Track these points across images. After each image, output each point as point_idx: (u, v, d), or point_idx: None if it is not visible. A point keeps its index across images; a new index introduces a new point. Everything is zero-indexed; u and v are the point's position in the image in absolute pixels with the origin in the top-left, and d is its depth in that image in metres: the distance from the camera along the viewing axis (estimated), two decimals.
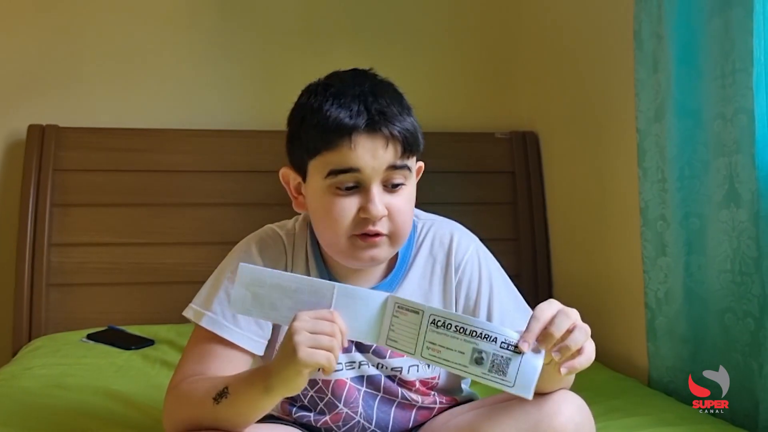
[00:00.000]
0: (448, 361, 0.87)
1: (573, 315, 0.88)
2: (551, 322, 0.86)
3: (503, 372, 0.85)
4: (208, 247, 2.10)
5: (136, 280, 2.11)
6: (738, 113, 1.37)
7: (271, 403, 0.94)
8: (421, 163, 1.11)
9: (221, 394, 0.94)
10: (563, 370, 0.87)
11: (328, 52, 2.32)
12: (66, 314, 2.06)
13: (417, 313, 0.88)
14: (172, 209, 2.17)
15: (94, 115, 2.22)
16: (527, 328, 0.86)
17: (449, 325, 0.87)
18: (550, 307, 0.88)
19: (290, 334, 0.87)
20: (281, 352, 0.89)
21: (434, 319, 0.87)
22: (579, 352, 0.87)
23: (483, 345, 0.85)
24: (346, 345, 0.90)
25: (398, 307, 0.89)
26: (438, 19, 2.47)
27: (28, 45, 2.22)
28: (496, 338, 0.85)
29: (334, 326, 0.87)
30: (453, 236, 1.14)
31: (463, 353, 0.86)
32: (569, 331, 0.86)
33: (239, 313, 0.96)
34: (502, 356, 0.85)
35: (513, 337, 0.86)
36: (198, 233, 2.16)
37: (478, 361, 0.86)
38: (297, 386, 0.89)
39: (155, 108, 2.28)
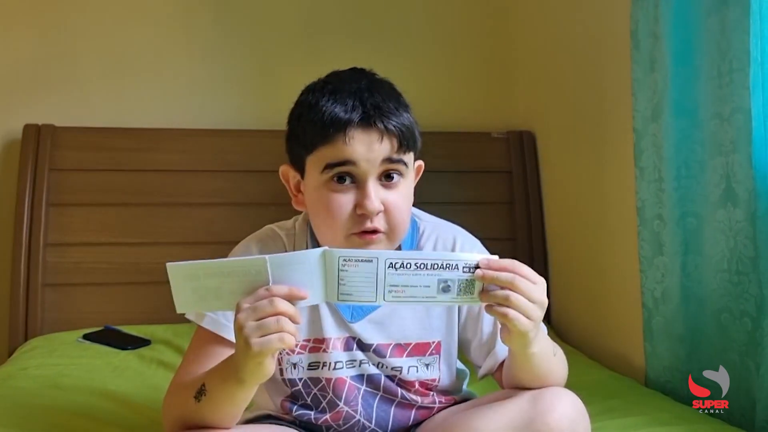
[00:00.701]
0: (414, 297, 0.88)
1: (537, 294, 0.89)
2: (521, 275, 0.88)
3: (470, 292, 0.89)
4: (204, 247, 2.08)
5: (132, 280, 2.11)
6: (735, 113, 1.37)
7: (249, 393, 0.93)
8: (421, 162, 1.11)
9: (200, 393, 0.94)
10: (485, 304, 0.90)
11: (325, 52, 2.32)
12: (62, 314, 2.05)
13: (371, 261, 0.87)
14: (168, 209, 2.17)
15: (90, 115, 2.21)
16: (502, 259, 0.90)
17: (408, 265, 0.87)
18: (534, 274, 0.90)
19: (237, 329, 0.86)
20: (237, 348, 0.88)
21: (391, 263, 0.87)
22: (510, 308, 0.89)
23: (447, 274, 0.88)
24: (298, 321, 0.87)
25: (344, 260, 0.87)
26: (434, 19, 2.46)
27: (24, 44, 2.21)
28: (457, 265, 0.88)
29: (275, 302, 0.84)
30: (456, 240, 1.15)
31: (429, 286, 0.88)
32: (517, 293, 0.88)
33: (187, 311, 0.93)
34: (466, 279, 0.88)
35: (472, 259, 0.88)
36: (195, 233, 2.16)
37: (446, 290, 0.88)
38: (266, 372, 0.88)
39: (151, 107, 2.27)
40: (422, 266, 0.87)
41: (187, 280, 0.88)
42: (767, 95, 1.33)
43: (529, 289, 0.89)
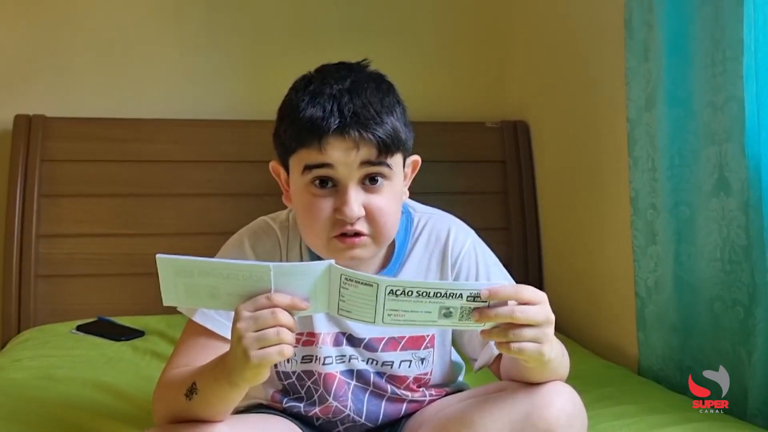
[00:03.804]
0: (414, 321, 0.85)
1: (540, 316, 0.86)
2: (523, 302, 0.86)
3: (473, 317, 0.85)
4: (197, 237, 2.09)
5: (125, 271, 2.10)
6: (728, 102, 1.37)
7: (242, 393, 0.92)
8: (417, 157, 1.10)
9: (191, 391, 0.93)
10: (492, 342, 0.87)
11: (318, 42, 2.31)
12: (55, 305, 2.05)
13: (371, 285, 0.84)
14: (161, 200, 2.16)
15: (82, 105, 2.20)
16: (505, 286, 0.86)
17: (410, 292, 0.84)
18: (536, 295, 0.87)
19: (236, 338, 0.84)
20: (233, 356, 0.85)
21: (392, 290, 0.84)
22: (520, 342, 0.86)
23: (449, 302, 0.84)
24: (295, 331, 0.86)
25: (346, 279, 0.85)
26: (428, 8, 2.45)
27: (15, 34, 2.19)
28: (461, 294, 0.84)
29: (277, 314, 0.83)
30: (450, 230, 1.13)
31: (430, 312, 0.85)
32: (524, 325, 0.85)
33: (176, 304, 0.90)
34: (470, 307, 0.85)
35: (476, 287, 0.85)
36: (187, 224, 2.15)
37: (447, 315, 0.85)
38: (261, 379, 0.87)
39: (143, 98, 2.26)
40: (424, 294, 0.84)
41: (179, 275, 0.85)
42: (761, 84, 1.33)
43: (531, 314, 0.86)
